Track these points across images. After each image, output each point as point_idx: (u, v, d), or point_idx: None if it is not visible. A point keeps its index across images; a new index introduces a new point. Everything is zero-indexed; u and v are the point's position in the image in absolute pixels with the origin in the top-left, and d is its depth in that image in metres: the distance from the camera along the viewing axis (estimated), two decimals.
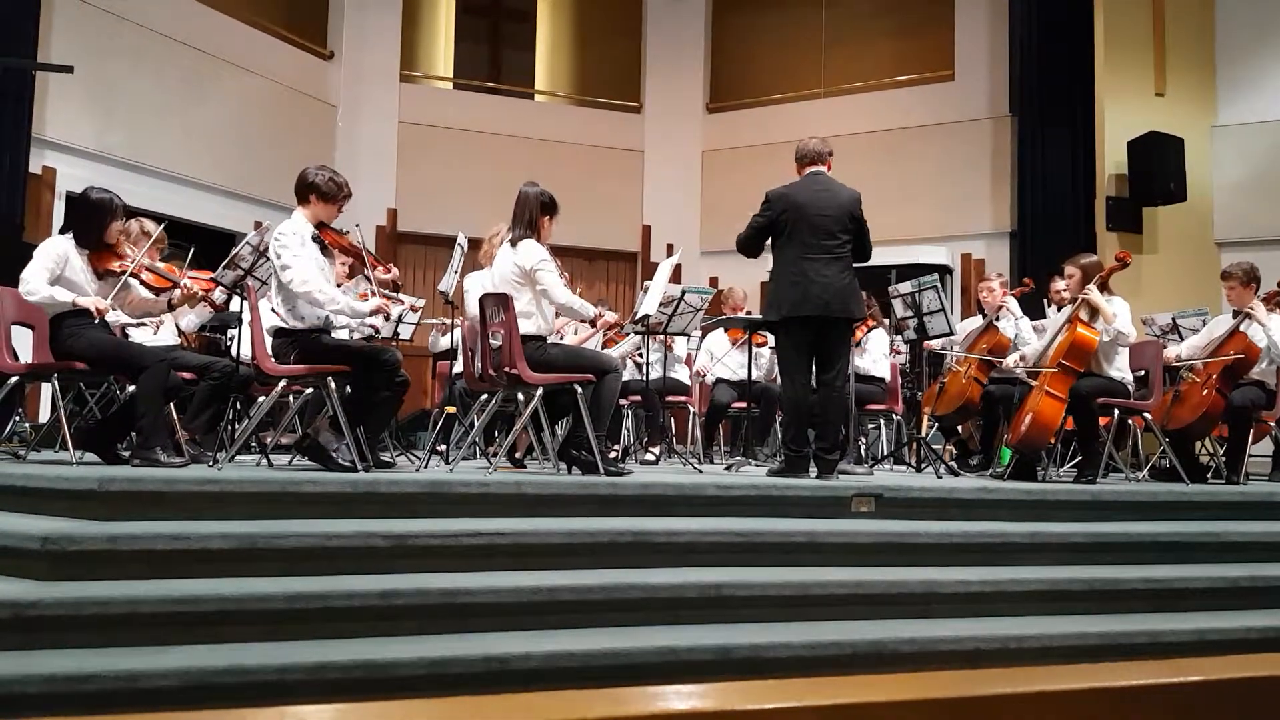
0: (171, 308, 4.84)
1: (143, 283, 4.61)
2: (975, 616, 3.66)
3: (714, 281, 11.08)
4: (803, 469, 4.79)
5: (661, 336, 6.69)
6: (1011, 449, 5.34)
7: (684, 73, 12.28)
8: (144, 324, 5.43)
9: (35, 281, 4.26)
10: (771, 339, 6.06)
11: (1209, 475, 5.86)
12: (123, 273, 4.47)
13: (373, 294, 5.58)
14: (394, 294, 6.25)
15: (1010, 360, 5.59)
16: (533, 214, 4.78)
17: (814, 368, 4.91)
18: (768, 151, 11.15)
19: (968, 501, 4.30)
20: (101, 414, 5.71)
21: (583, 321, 5.81)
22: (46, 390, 7.04)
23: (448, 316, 6.34)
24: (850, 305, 4.82)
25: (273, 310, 4.64)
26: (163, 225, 5.08)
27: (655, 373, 6.86)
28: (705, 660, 3.13)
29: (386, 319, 4.67)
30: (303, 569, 3.20)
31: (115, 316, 4.72)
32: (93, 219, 4.49)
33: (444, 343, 7.02)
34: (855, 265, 4.94)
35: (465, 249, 5.79)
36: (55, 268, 4.33)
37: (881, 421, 7.25)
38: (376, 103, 11.16)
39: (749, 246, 5.03)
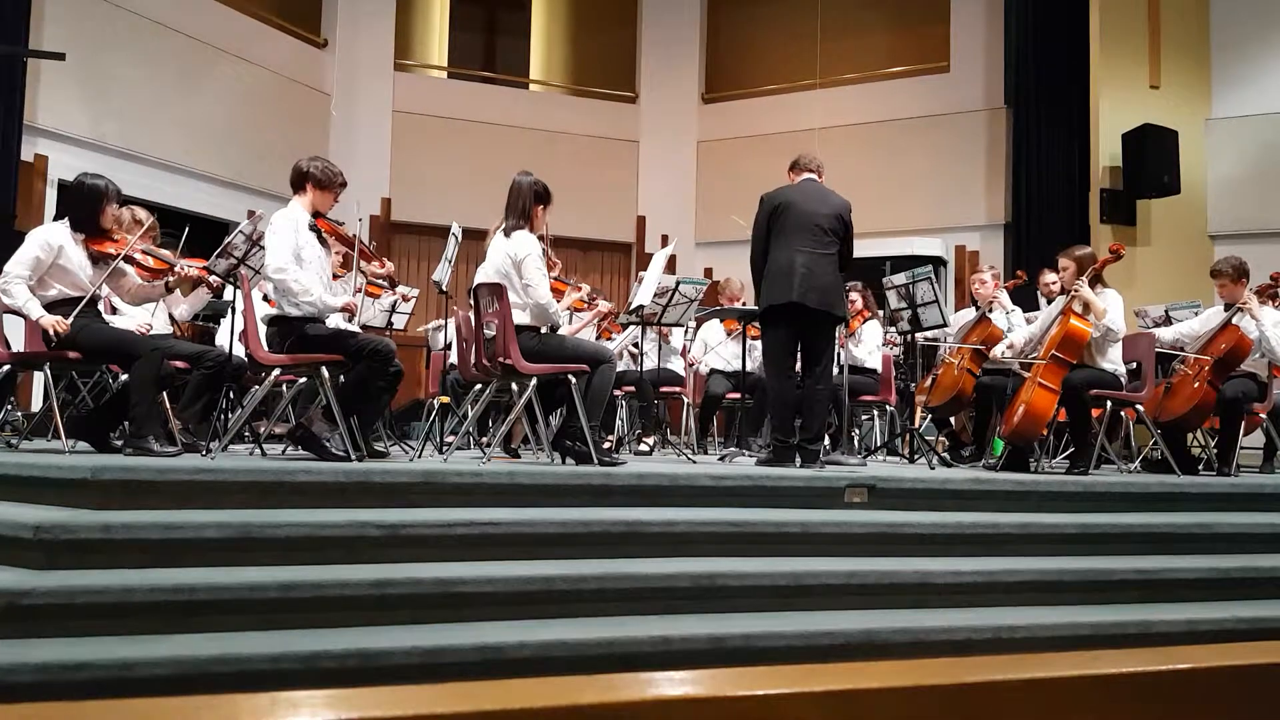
0: (169, 290, 4.83)
1: (139, 266, 4.60)
2: (968, 607, 3.67)
3: (709, 272, 11.09)
4: (789, 458, 4.86)
5: (656, 327, 6.69)
6: (1004, 440, 5.36)
7: (679, 63, 12.25)
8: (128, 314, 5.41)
9: (16, 287, 4.28)
10: None
11: (1200, 467, 5.89)
12: (117, 255, 4.47)
13: (365, 287, 5.58)
14: (388, 288, 6.25)
15: (999, 350, 5.61)
16: (526, 203, 4.76)
17: (799, 364, 5.00)
18: (763, 142, 11.16)
19: (960, 492, 4.32)
20: (94, 403, 5.70)
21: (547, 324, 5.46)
22: (39, 379, 7.04)
23: (441, 307, 6.33)
24: (835, 303, 4.93)
25: (265, 299, 4.62)
26: (155, 215, 5.07)
27: (650, 363, 6.86)
28: (698, 650, 3.14)
29: (351, 319, 4.74)
30: (296, 558, 3.20)
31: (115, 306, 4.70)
32: (88, 205, 4.49)
33: (441, 340, 7.01)
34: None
35: (459, 239, 5.77)
36: (45, 258, 4.32)
37: (875, 413, 7.25)
38: (371, 92, 11.12)
39: (759, 255, 5.06)
